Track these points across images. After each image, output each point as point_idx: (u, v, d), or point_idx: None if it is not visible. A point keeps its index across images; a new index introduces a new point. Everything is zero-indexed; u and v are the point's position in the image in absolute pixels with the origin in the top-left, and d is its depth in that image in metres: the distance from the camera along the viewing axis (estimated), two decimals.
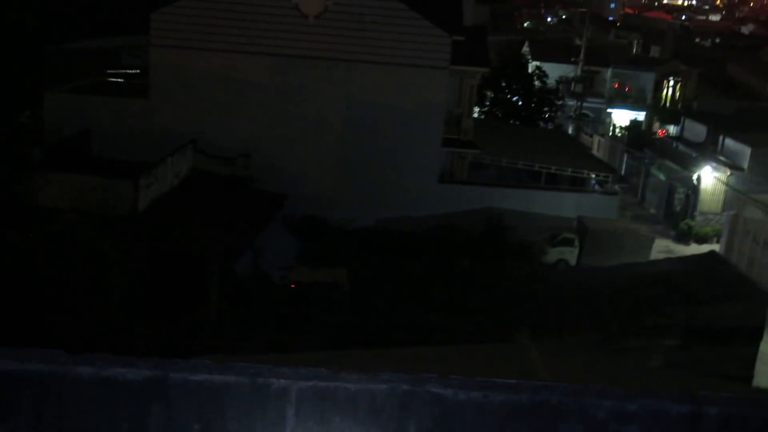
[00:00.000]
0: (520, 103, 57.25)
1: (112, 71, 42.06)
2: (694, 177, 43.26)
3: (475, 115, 47.43)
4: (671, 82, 63.44)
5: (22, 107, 41.63)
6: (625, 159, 52.73)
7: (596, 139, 58.15)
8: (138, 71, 41.45)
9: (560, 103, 59.64)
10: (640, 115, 64.54)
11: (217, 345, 18.96)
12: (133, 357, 2.84)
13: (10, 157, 29.47)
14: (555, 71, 61.53)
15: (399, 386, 2.78)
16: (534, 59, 64.17)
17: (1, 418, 2.82)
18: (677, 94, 62.81)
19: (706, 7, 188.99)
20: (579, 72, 64.71)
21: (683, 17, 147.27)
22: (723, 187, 41.94)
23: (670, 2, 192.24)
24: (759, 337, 22.63)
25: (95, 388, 2.80)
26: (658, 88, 64.19)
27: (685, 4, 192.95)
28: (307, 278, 26.13)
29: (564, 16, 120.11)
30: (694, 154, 45.25)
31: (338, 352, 14.87)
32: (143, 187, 27.86)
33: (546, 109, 58.03)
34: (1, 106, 39.54)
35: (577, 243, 35.61)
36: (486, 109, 56.56)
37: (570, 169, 40.08)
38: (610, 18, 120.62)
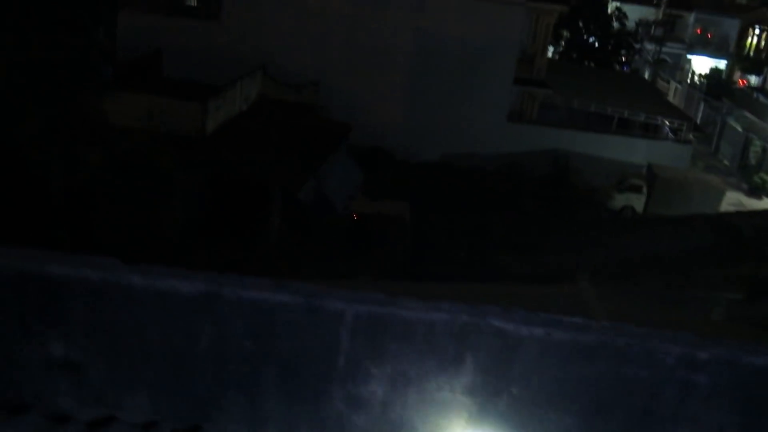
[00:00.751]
0: (596, 44, 55.74)
1: None
2: None
3: (550, 54, 46.38)
4: (757, 31, 60.99)
5: (96, 25, 41.97)
6: (701, 108, 51.26)
7: (673, 85, 56.57)
8: None
9: (638, 46, 57.91)
10: (721, 64, 62.39)
11: (276, 268, 19.14)
12: (187, 270, 2.79)
13: (84, 74, 29.81)
14: (635, 13, 59.62)
15: (459, 317, 2.67)
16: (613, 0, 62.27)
17: (53, 324, 2.80)
18: (762, 43, 60.43)
19: None
20: (660, 15, 62.65)
21: None
22: None
23: None
24: None
25: (148, 299, 2.76)
26: (743, 36, 61.83)
27: None
28: (369, 209, 26.09)
29: None
30: None
31: (397, 282, 14.87)
32: (212, 109, 27.96)
33: (623, 52, 56.39)
34: (75, 21, 39.91)
35: (645, 190, 34.86)
36: (561, 49, 55.25)
37: (643, 115, 39.06)
38: None
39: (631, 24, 58.06)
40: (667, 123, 39.41)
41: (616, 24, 56.59)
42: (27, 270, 2.67)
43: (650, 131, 39.78)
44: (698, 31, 64.60)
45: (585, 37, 55.42)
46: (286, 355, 2.76)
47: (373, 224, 25.56)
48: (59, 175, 23.52)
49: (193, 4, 40.73)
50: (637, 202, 34.96)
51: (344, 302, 2.72)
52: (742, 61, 60.40)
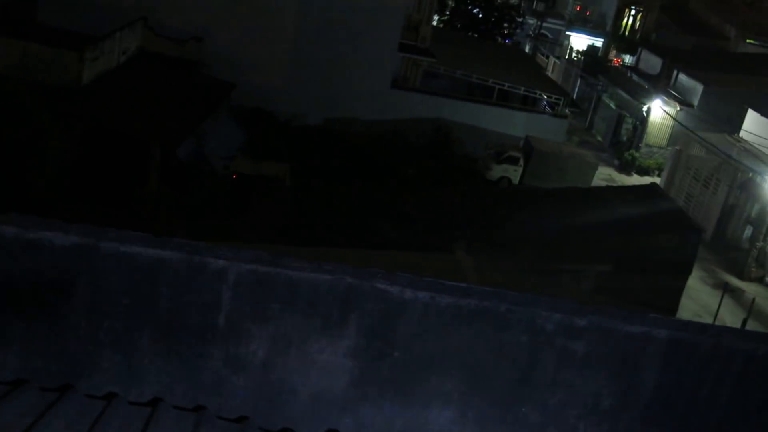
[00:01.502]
0: (480, 15, 56.52)
1: None
2: (644, 109, 43.53)
3: (435, 23, 46.73)
4: (632, 12, 63.09)
5: None
6: (578, 84, 52.79)
7: (552, 60, 57.96)
8: None
9: (521, 20, 59.08)
10: (598, 42, 64.34)
11: (152, 226, 18.72)
12: (62, 221, 2.65)
13: None
14: None
15: (343, 279, 2.65)
16: None
17: None
18: (637, 24, 62.57)
19: None
20: None
21: None
22: (671, 122, 42.32)
23: None
24: (688, 271, 23.16)
25: (19, 250, 2.61)
26: (619, 16, 63.81)
27: None
28: (249, 170, 25.77)
29: None
30: (646, 86, 45.41)
31: (278, 246, 14.76)
32: (89, 59, 26.90)
33: (506, 25, 57.42)
34: None
35: (521, 162, 35.71)
36: (446, 18, 55.76)
37: (523, 88, 39.91)
38: None
39: None
40: (545, 97, 40.40)
41: None
42: None
43: (529, 104, 40.70)
44: (578, 8, 66.34)
45: (469, 7, 56.10)
46: (165, 312, 2.67)
47: (253, 184, 25.27)
48: None
49: None
50: (514, 173, 35.77)
51: (227, 260, 2.66)
52: (617, 40, 62.39)
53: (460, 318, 2.72)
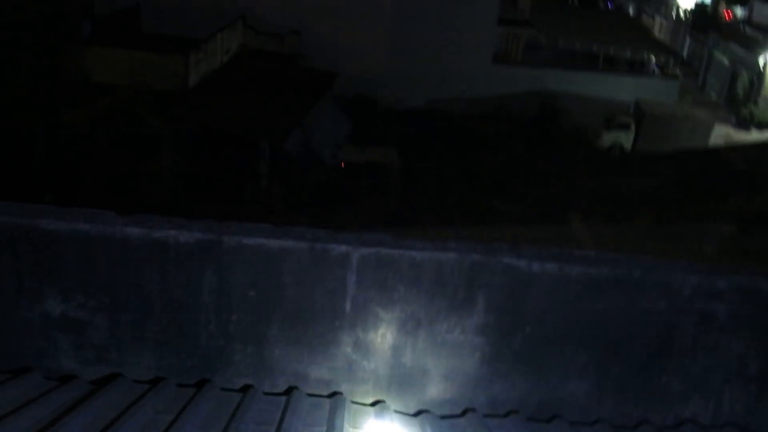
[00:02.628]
0: None
1: None
2: (761, 61, 41.62)
3: None
4: None
5: None
6: (687, 42, 50.90)
7: (658, 20, 56.06)
8: None
9: None
10: None
11: (266, 221, 19.03)
12: (184, 219, 2.69)
13: (62, 30, 29.32)
14: None
15: (469, 255, 2.59)
16: None
17: (50, 281, 2.70)
18: None
19: None
20: None
21: None
22: None
23: None
24: None
25: (145, 251, 2.66)
26: None
27: None
28: (357, 158, 25.94)
29: None
30: (761, 38, 43.40)
31: (391, 230, 14.77)
32: (193, 63, 27.61)
33: None
34: None
35: (633, 127, 34.74)
36: None
37: (629, 51, 38.78)
38: None
39: None
40: (653, 59, 39.14)
41: None
42: (19, 225, 2.57)
43: (636, 68, 39.52)
44: None
45: None
46: (291, 302, 2.67)
47: (361, 172, 25.44)
48: (42, 135, 23.26)
49: None
50: (626, 139, 34.85)
51: (349, 245, 2.63)
52: None
53: (591, 288, 2.62)
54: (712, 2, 60.50)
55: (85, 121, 23.42)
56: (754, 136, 39.04)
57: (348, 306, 2.66)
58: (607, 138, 34.68)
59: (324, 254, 2.65)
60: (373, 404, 2.82)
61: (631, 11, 58.48)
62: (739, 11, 55.66)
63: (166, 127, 24.00)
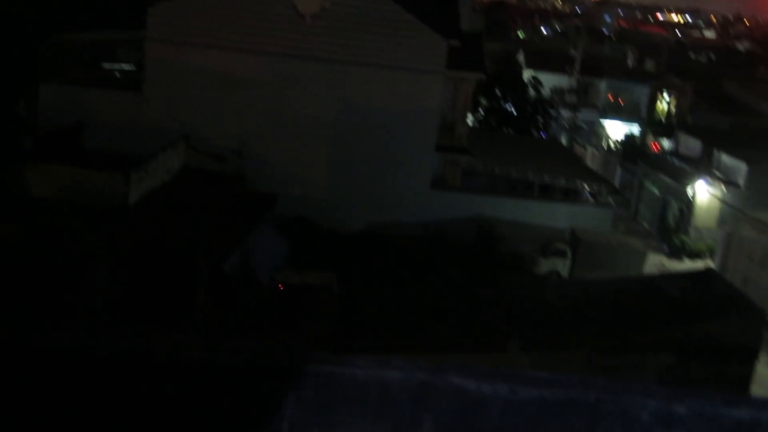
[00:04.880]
0: (514, 112, 57.02)
1: (107, 64, 41.67)
2: (689, 192, 43.05)
3: (470, 122, 47.17)
4: (666, 96, 63.27)
5: (17, 98, 41.17)
6: (618, 172, 52.60)
7: (590, 150, 58.04)
8: (132, 66, 41.08)
9: (554, 113, 59.47)
10: (634, 128, 64.42)
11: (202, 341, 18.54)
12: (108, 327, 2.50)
13: (3, 147, 29.09)
14: (549, 81, 61.47)
15: (414, 375, 2.43)
16: (529, 67, 64.04)
17: None
18: (672, 108, 62.63)
19: (701, 23, 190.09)
20: (574, 83, 64.63)
21: (678, 33, 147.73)
22: (718, 203, 41.75)
23: (666, 18, 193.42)
24: (754, 357, 22.35)
25: (66, 360, 2.45)
26: (653, 101, 64.02)
27: (680, 20, 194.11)
28: (296, 280, 25.73)
29: (559, 29, 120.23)
30: (688, 169, 45.06)
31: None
32: (134, 181, 27.44)
33: (540, 118, 57.81)
34: None
35: (569, 254, 35.30)
36: (480, 117, 56.33)
37: (564, 180, 39.80)
38: (605, 31, 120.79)
39: (546, 91, 59.68)
40: (587, 187, 40.20)
41: (532, 92, 58.08)
42: None
43: (571, 196, 40.49)
44: (610, 97, 66.74)
45: (503, 104, 56.67)
46: (225, 422, 2.47)
47: (299, 295, 25.17)
48: None
49: (116, 75, 40.36)
50: (562, 266, 35.36)
51: (288, 362, 2.46)
52: (653, 125, 62.40)
53: (545, 411, 2.47)
54: (641, 134, 63.03)
55: (21, 236, 22.90)
56: (687, 264, 39.97)
57: (285, 428, 2.47)
58: (545, 264, 35.16)
59: (261, 372, 2.47)
60: None
61: (563, 140, 60.49)
62: (666, 143, 57.96)
63: (102, 244, 23.57)
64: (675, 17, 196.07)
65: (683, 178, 44.08)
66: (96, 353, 2.42)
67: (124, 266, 23.57)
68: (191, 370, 2.44)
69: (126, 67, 42.08)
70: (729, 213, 39.55)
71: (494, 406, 2.47)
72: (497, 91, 55.97)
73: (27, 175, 26.49)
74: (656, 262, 39.51)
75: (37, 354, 2.50)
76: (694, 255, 41.55)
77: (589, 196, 39.99)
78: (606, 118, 65.31)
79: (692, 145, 48.93)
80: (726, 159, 43.77)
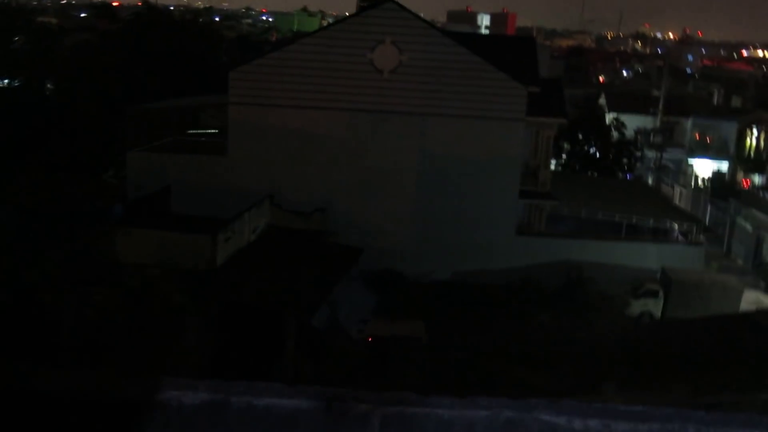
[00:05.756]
0: (597, 154, 56.29)
1: (191, 130, 42.83)
2: None
3: (552, 167, 46.73)
4: (755, 132, 61.67)
5: (107, 166, 42.65)
6: (708, 209, 51.21)
7: (677, 189, 56.73)
8: (216, 130, 42.12)
9: (639, 154, 58.46)
10: (723, 165, 62.81)
11: None
12: (188, 378, 2.48)
13: (95, 214, 30.01)
14: (633, 122, 60.53)
15: (502, 412, 2.34)
16: (611, 110, 63.28)
17: None
18: (762, 143, 60.98)
19: None
20: (658, 123, 63.56)
21: (764, 67, 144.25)
22: None
23: (750, 53, 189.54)
24: None
25: (146, 414, 2.44)
26: (741, 137, 62.49)
27: (765, 54, 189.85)
28: (384, 332, 25.67)
29: (640, 70, 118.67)
30: None
31: None
32: (221, 241, 27.94)
33: (625, 160, 56.90)
34: (87, 165, 40.56)
35: (661, 294, 34.36)
36: (563, 161, 55.78)
37: (652, 220, 38.94)
38: (689, 70, 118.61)
39: (630, 133, 58.79)
40: (677, 226, 39.24)
41: (615, 133, 57.30)
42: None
43: (660, 235, 39.56)
44: (697, 135, 65.34)
45: (586, 147, 56.04)
46: None
47: (389, 346, 25.07)
48: (71, 314, 23.26)
49: (201, 140, 41.44)
50: (655, 307, 34.42)
51: (370, 404, 2.39)
52: (743, 161, 60.80)
53: None
54: (730, 170, 61.40)
55: (115, 300, 23.48)
56: None
57: None
58: (636, 306, 34.29)
59: (342, 415, 2.41)
60: None
61: (650, 180, 59.32)
62: (757, 178, 56.33)
63: (193, 305, 23.97)
64: (760, 52, 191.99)
65: None
66: (174, 404, 2.41)
67: (214, 325, 23.90)
68: (269, 415, 2.41)
69: (211, 131, 43.15)
70: None
71: None
72: (580, 135, 55.42)
73: (117, 241, 27.21)
74: (753, 299, 38.09)
75: (125, 407, 2.51)
76: None
77: (679, 235, 39.00)
78: (693, 156, 63.89)
79: None
80: None
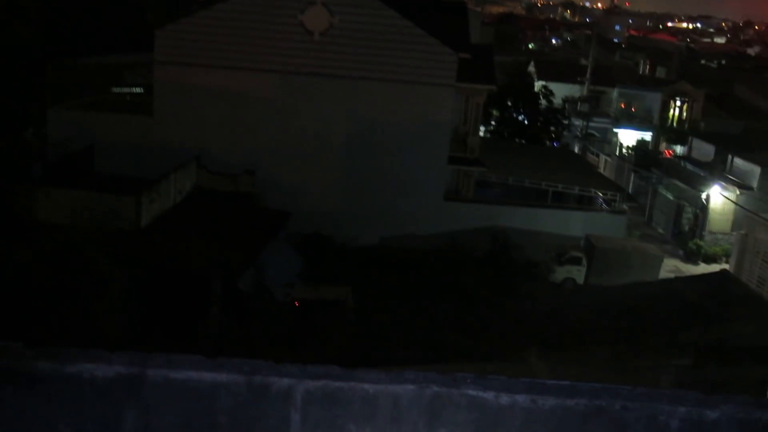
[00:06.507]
0: (526, 122, 56.86)
1: (115, 88, 41.79)
2: (703, 196, 42.75)
3: (481, 133, 47.01)
4: (678, 103, 63.01)
5: (26, 123, 41.32)
6: (632, 178, 52.29)
7: (603, 158, 57.75)
8: (141, 89, 41.19)
9: (566, 122, 59.25)
10: (647, 135, 64.07)
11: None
12: (103, 350, 2.36)
13: (13, 173, 29.09)
14: (561, 91, 61.23)
15: (429, 387, 2.27)
16: (540, 79, 63.90)
17: None
18: (684, 114, 62.37)
19: (711, 30, 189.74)
20: (585, 92, 64.43)
21: (689, 40, 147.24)
22: (732, 207, 41.41)
23: (675, 25, 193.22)
24: None
25: (57, 387, 2.31)
26: (665, 108, 63.74)
27: (690, 27, 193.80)
28: (310, 296, 25.60)
29: (569, 38, 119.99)
30: (702, 174, 44.77)
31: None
32: (146, 203, 27.43)
33: (552, 128, 57.61)
34: (4, 122, 39.23)
35: (584, 262, 35.06)
36: (492, 128, 56.19)
37: (577, 188, 39.58)
38: (616, 40, 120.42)
39: (558, 101, 59.48)
40: (601, 194, 39.97)
41: (543, 101, 57.90)
42: None
43: (585, 203, 40.26)
44: (622, 105, 66.45)
45: (515, 115, 56.53)
46: None
47: (315, 310, 25.02)
48: None
49: (125, 99, 40.47)
50: (578, 273, 35.11)
51: (293, 378, 2.31)
52: (666, 131, 62.12)
53: (568, 421, 2.32)
54: (653, 141, 62.71)
55: (34, 261, 22.86)
56: (703, 268, 39.63)
57: None
58: (560, 272, 34.93)
59: (264, 389, 2.32)
60: None
61: (576, 149, 60.24)
62: (679, 149, 57.68)
63: (115, 267, 23.51)
64: (685, 25, 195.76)
65: (697, 183, 43.78)
66: (87, 378, 2.29)
67: (138, 288, 23.51)
68: (188, 389, 2.31)
69: (136, 90, 42.19)
70: (743, 216, 39.21)
71: (514, 418, 2.33)
72: (509, 102, 55.84)
73: (38, 201, 26.49)
74: (672, 267, 39.18)
75: (33, 381, 2.38)
76: (710, 259, 41.23)
77: (603, 203, 39.75)
78: (618, 126, 64.99)
79: (705, 150, 48.69)
80: (739, 163, 43.49)
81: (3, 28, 40.83)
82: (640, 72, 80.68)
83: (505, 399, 2.32)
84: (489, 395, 2.32)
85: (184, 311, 23.26)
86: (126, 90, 41.93)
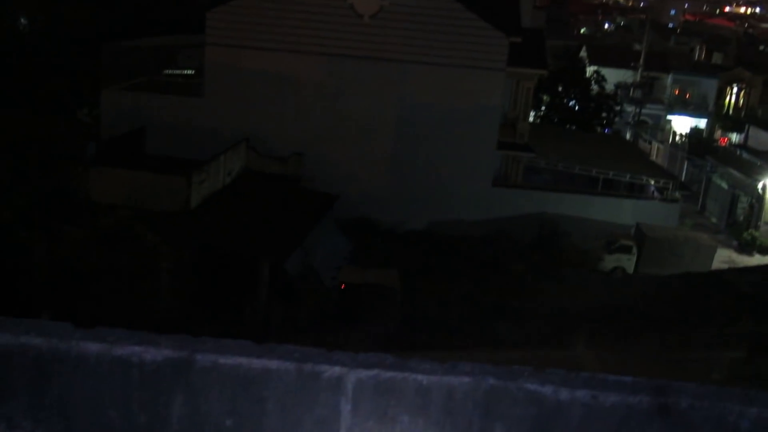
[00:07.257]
0: (577, 107, 56.14)
1: (168, 70, 42.15)
2: (759, 186, 41.85)
3: (531, 119, 46.55)
4: (735, 89, 61.70)
5: (80, 104, 41.94)
6: (685, 167, 51.41)
7: (655, 145, 56.86)
8: (193, 71, 41.49)
9: (618, 108, 58.37)
10: (701, 123, 62.90)
11: (264, 342, 18.55)
12: (153, 333, 2.32)
13: (67, 153, 29.57)
14: (613, 76, 60.30)
15: (485, 380, 2.19)
16: (592, 64, 63.00)
17: None
18: (741, 101, 61.05)
19: None
20: (638, 77, 63.39)
21: (746, 24, 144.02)
22: None
23: (733, 9, 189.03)
24: None
25: (105, 369, 2.28)
26: (721, 95, 62.52)
27: (749, 11, 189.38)
28: (357, 279, 25.59)
29: (622, 23, 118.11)
30: (759, 163, 43.81)
31: (394, 354, 14.29)
32: (196, 183, 27.66)
33: (604, 114, 56.81)
34: (60, 103, 39.85)
35: (634, 250, 34.56)
36: (542, 113, 55.59)
37: (628, 175, 38.99)
38: (671, 25, 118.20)
39: (610, 87, 58.63)
40: (653, 182, 39.35)
41: (595, 87, 57.12)
42: None
43: (636, 191, 39.67)
44: (677, 91, 65.30)
45: (565, 100, 55.84)
46: None
47: (362, 293, 25.02)
48: (42, 252, 23.03)
49: (177, 81, 40.79)
50: (628, 262, 34.63)
51: (344, 366, 2.24)
52: (721, 119, 60.89)
53: (630, 420, 2.22)
54: (708, 128, 61.53)
55: (86, 240, 23.23)
56: (757, 259, 38.84)
57: None
58: (609, 261, 34.49)
59: (314, 377, 2.25)
60: None
61: (627, 136, 59.35)
62: (735, 137, 56.52)
63: (165, 247, 23.78)
64: (743, 9, 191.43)
65: (753, 172, 42.87)
66: (140, 360, 2.25)
67: (188, 268, 23.75)
68: (237, 376, 2.26)
69: (187, 72, 42.51)
70: None
71: (573, 414, 2.23)
72: (560, 88, 55.19)
73: (90, 180, 26.87)
74: (725, 258, 38.45)
75: (81, 362, 2.34)
76: (765, 250, 40.37)
77: (654, 191, 39.13)
78: (672, 112, 63.87)
79: (762, 138, 47.66)
80: None
81: (58, 11, 41.41)
82: (696, 58, 79.09)
83: (564, 394, 2.22)
84: (547, 390, 2.22)
85: (231, 292, 23.44)
86: (177, 72, 42.24)
